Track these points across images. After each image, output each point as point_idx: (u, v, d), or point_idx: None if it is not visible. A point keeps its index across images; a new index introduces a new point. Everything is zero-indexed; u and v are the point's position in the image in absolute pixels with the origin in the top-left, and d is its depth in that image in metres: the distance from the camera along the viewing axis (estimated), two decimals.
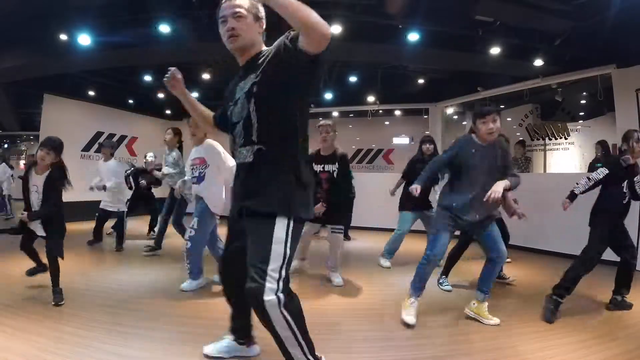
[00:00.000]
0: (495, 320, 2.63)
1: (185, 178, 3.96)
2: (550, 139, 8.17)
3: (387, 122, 9.52)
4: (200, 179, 3.33)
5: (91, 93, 8.42)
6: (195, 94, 8.75)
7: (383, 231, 6.45)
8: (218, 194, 3.29)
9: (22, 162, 11.05)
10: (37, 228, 2.96)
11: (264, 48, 1.66)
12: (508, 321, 2.71)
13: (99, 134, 7.92)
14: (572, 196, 3.01)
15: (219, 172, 3.28)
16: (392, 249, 4.43)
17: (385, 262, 4.41)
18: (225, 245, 1.89)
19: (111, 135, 8.22)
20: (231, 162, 3.17)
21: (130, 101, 9.36)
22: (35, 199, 2.92)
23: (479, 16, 4.76)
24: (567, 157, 8.13)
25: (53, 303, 2.79)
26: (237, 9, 1.58)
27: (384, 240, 4.67)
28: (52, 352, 2.07)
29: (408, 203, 4.25)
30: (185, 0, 4.89)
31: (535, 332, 2.52)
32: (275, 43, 1.55)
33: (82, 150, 7.59)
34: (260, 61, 1.58)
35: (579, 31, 4.73)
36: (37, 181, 2.91)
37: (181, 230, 4.23)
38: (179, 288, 3.27)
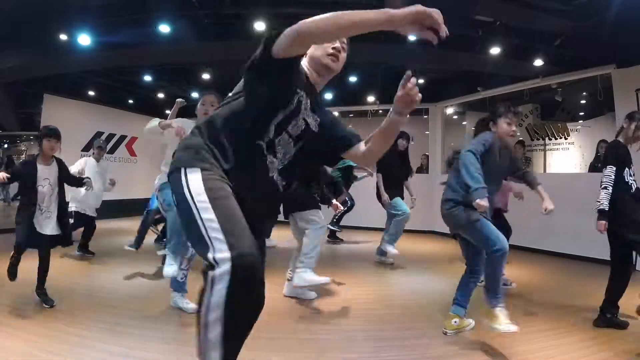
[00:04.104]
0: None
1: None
2: (550, 139, 8.17)
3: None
4: None
5: (91, 93, 8.42)
6: (195, 94, 8.79)
7: (382, 231, 6.45)
8: None
9: None
10: (54, 227, 2.90)
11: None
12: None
13: (99, 134, 7.92)
14: (602, 214, 2.62)
15: None
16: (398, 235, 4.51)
17: (393, 250, 4.45)
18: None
19: (111, 135, 8.22)
20: None
21: (130, 101, 9.36)
22: (48, 192, 2.90)
23: (479, 16, 4.77)
24: (567, 157, 8.14)
25: (48, 306, 2.76)
26: (344, 44, 1.58)
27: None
28: (52, 352, 2.07)
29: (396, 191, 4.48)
30: (185, 0, 4.89)
31: (535, 332, 2.52)
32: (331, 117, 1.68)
33: (82, 150, 7.58)
34: (320, 108, 1.60)
35: (579, 31, 4.73)
36: (47, 173, 2.90)
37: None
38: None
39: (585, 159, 7.46)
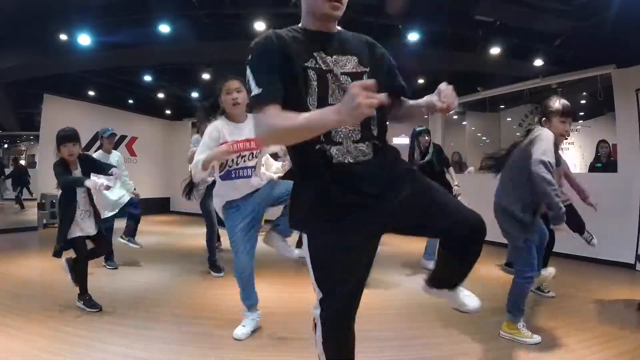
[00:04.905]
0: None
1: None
2: None
3: (387, 122, 9.50)
4: (253, 169, 2.51)
5: (91, 93, 8.42)
6: (195, 94, 8.80)
7: None
8: None
9: (22, 162, 11.05)
10: (92, 225, 2.83)
11: (339, 28, 1.39)
12: None
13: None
14: None
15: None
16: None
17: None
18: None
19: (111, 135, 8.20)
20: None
21: (130, 101, 9.35)
22: (83, 200, 2.81)
23: (479, 16, 4.76)
24: (567, 157, 8.12)
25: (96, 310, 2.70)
26: None
27: (384, 240, 4.67)
28: (52, 352, 2.08)
29: None
30: (185, 0, 4.89)
31: (535, 332, 2.51)
32: (381, 49, 1.44)
33: (82, 150, 7.58)
34: (356, 45, 1.36)
35: (579, 31, 4.72)
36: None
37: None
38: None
39: (585, 159, 7.45)
